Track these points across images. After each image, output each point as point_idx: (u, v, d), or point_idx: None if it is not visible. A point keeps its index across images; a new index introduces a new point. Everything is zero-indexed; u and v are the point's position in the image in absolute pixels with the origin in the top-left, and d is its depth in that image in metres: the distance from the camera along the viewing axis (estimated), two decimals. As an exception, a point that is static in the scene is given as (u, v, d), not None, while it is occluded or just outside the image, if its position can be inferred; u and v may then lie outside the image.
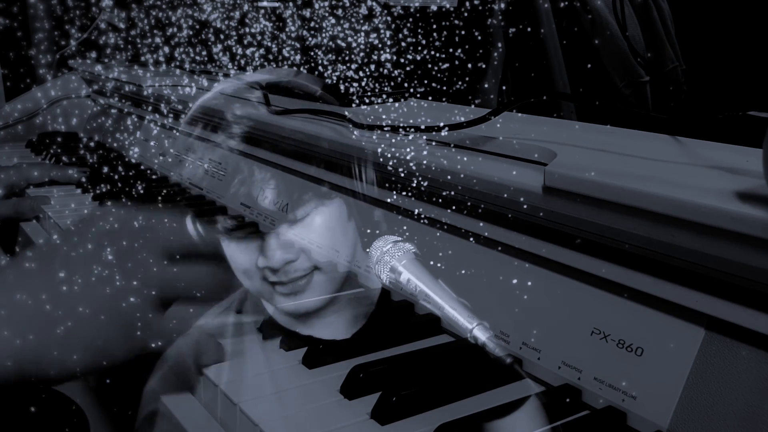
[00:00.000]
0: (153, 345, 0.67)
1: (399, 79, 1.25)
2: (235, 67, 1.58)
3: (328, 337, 0.77)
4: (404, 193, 0.92)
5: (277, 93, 1.20)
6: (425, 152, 0.86)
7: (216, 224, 1.18)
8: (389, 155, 0.90)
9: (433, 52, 1.31)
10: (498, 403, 0.66)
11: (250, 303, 0.87)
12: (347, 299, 0.86)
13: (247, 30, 1.52)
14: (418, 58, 1.30)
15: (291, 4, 1.45)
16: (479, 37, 1.46)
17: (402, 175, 0.89)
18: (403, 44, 1.33)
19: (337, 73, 1.25)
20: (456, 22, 1.40)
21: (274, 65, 1.45)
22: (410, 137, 0.91)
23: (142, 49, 2.02)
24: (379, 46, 1.28)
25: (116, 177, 1.55)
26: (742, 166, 0.65)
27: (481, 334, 0.72)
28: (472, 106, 1.11)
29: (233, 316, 0.78)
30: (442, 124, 0.86)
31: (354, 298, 0.86)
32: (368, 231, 0.97)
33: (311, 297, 0.84)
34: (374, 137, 0.94)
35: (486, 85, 1.51)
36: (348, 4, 1.32)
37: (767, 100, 0.89)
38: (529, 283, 0.76)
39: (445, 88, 1.31)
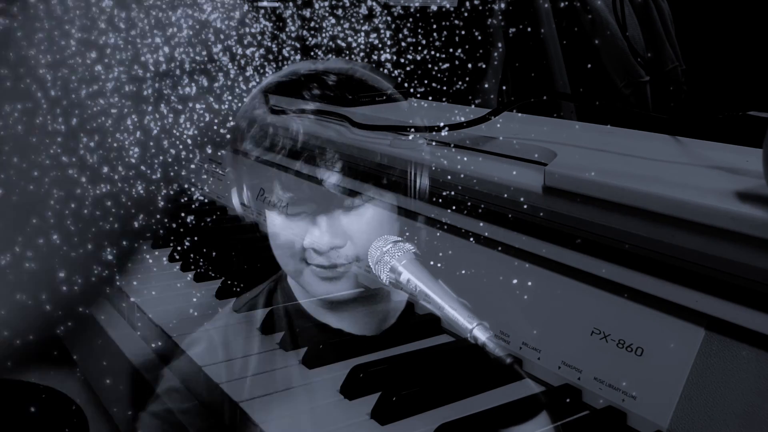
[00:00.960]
0: None
1: (399, 79, 1.25)
2: (235, 67, 1.58)
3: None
4: (404, 193, 0.91)
5: (349, 86, 1.16)
6: (425, 152, 0.86)
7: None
8: (389, 155, 0.90)
9: (433, 52, 1.31)
10: (498, 403, 0.66)
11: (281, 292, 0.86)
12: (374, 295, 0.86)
13: (247, 30, 1.51)
14: (418, 58, 1.30)
15: (291, 4, 1.45)
16: (479, 37, 1.46)
17: (401, 174, 0.89)
18: (403, 44, 1.33)
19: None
20: (456, 22, 1.40)
21: (275, 65, 1.45)
22: (410, 137, 0.91)
23: (142, 49, 2.02)
24: (379, 46, 1.28)
25: (116, 177, 1.55)
26: (742, 166, 0.65)
27: (481, 334, 0.72)
28: (472, 106, 1.11)
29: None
30: (442, 124, 0.86)
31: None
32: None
33: (345, 287, 0.84)
34: (374, 137, 0.94)
35: (486, 85, 1.51)
36: (348, 4, 1.32)
37: (767, 100, 0.89)
38: (529, 283, 0.76)
39: (445, 88, 1.31)
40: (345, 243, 0.84)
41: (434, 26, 1.37)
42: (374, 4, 1.30)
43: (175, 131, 0.62)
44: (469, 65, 1.41)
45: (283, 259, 0.87)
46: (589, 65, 1.57)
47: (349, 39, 1.28)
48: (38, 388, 1.43)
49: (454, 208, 0.85)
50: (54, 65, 0.51)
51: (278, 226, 0.88)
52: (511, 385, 0.71)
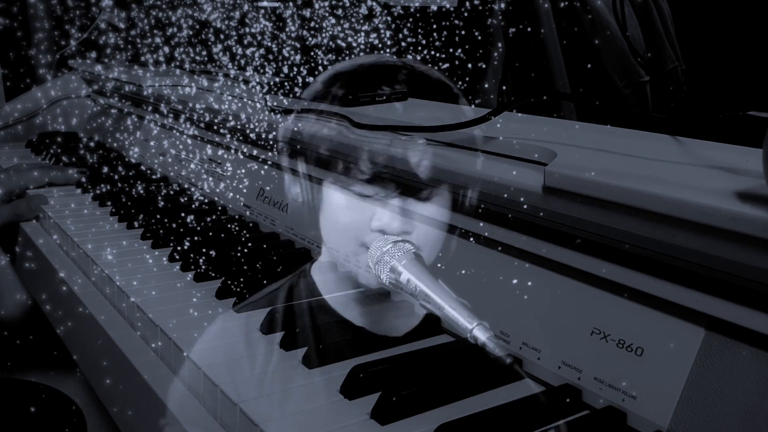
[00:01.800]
0: None
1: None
2: (235, 67, 1.58)
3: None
4: (404, 193, 0.91)
5: (422, 85, 1.12)
6: (425, 152, 0.86)
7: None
8: (389, 155, 0.90)
9: (433, 52, 1.31)
10: (498, 403, 0.66)
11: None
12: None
13: (247, 30, 1.52)
14: (418, 58, 1.30)
15: (291, 4, 1.45)
16: (479, 37, 1.46)
17: (402, 174, 0.89)
18: (403, 44, 1.33)
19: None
20: (456, 22, 1.40)
21: (274, 65, 1.45)
22: (410, 137, 0.91)
23: (142, 49, 2.02)
24: (379, 46, 1.28)
25: (116, 177, 1.55)
26: (742, 166, 0.65)
27: (481, 334, 0.72)
28: (472, 106, 1.11)
29: None
30: (442, 124, 0.86)
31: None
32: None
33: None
34: (374, 137, 0.94)
35: (486, 85, 1.50)
36: (348, 4, 1.32)
37: (767, 100, 0.89)
38: (529, 283, 0.76)
39: (445, 88, 1.31)
40: (413, 231, 0.81)
41: (434, 26, 1.37)
42: (374, 4, 1.30)
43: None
44: (469, 65, 1.41)
45: (339, 241, 0.84)
46: (589, 65, 1.57)
47: (349, 39, 1.28)
48: (38, 388, 1.43)
49: (454, 208, 0.85)
50: None
51: (340, 205, 0.85)
52: (511, 385, 0.71)
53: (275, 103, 1.22)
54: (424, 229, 0.89)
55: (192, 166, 1.49)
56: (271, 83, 1.39)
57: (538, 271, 0.75)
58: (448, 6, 1.43)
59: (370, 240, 0.81)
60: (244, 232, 1.18)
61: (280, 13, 1.49)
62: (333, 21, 1.33)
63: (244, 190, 1.30)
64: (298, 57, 1.38)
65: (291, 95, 1.22)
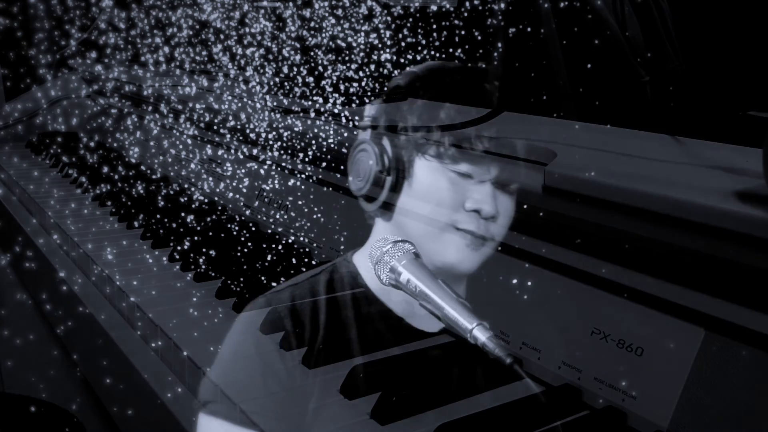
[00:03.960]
0: None
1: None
2: (235, 67, 1.58)
3: None
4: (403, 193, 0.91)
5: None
6: (425, 152, 0.86)
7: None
8: (389, 155, 0.90)
9: (433, 52, 1.31)
10: (498, 403, 0.66)
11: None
12: None
13: (247, 30, 1.52)
14: (418, 58, 1.30)
15: (291, 4, 1.45)
16: (479, 37, 1.46)
17: (401, 174, 0.89)
18: (403, 44, 1.33)
19: (337, 73, 1.24)
20: (456, 22, 1.40)
21: (274, 65, 1.45)
22: (410, 137, 0.91)
23: (142, 49, 2.02)
24: (379, 46, 1.28)
25: (116, 177, 1.55)
26: (742, 166, 0.65)
27: (481, 334, 0.72)
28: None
29: None
30: (441, 124, 0.86)
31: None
32: (369, 231, 0.97)
33: (476, 263, 0.80)
34: (374, 137, 0.93)
35: (486, 85, 1.50)
36: (348, 4, 1.32)
37: (767, 100, 0.89)
38: (529, 283, 0.76)
39: (445, 88, 1.31)
40: (497, 218, 0.79)
41: (434, 26, 1.37)
42: (374, 4, 1.30)
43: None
44: (469, 65, 1.41)
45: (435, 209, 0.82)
46: (589, 65, 1.57)
47: (349, 39, 1.28)
48: (37, 402, 1.42)
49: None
50: None
51: (437, 181, 0.82)
52: (511, 385, 0.71)
53: (275, 103, 1.22)
54: (419, 227, 0.89)
55: (192, 166, 1.49)
56: (271, 83, 1.39)
57: (538, 271, 0.75)
58: (448, 6, 1.43)
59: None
60: (244, 232, 1.18)
61: (280, 13, 1.49)
62: (333, 21, 1.33)
63: (244, 190, 1.30)
64: (298, 57, 1.38)
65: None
